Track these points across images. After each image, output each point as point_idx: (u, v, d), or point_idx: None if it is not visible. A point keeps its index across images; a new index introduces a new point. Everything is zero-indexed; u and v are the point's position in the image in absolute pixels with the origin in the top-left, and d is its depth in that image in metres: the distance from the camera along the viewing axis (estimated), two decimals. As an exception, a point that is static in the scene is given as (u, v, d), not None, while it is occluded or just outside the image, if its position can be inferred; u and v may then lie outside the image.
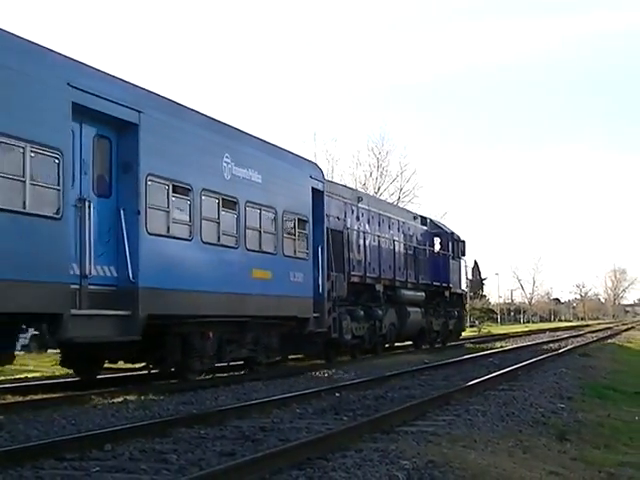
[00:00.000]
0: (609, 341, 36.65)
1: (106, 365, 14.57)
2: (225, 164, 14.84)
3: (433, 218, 33.28)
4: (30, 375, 16.12)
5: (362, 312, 21.80)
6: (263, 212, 16.07)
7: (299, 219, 17.65)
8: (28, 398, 11.75)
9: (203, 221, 13.94)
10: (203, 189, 14.00)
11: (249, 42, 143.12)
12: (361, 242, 22.81)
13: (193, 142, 13.98)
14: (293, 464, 6.52)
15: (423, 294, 27.25)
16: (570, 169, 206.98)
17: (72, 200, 11.20)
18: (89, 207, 11.52)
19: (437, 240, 30.80)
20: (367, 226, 23.67)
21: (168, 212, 13.08)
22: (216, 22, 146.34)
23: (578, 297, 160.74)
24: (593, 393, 13.61)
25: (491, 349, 27.95)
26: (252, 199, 15.60)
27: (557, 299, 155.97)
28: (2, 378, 15.43)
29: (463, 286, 33.15)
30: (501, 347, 29.65)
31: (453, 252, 30.95)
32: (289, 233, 17.18)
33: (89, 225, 11.46)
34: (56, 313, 10.62)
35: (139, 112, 12.59)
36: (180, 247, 13.41)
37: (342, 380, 14.82)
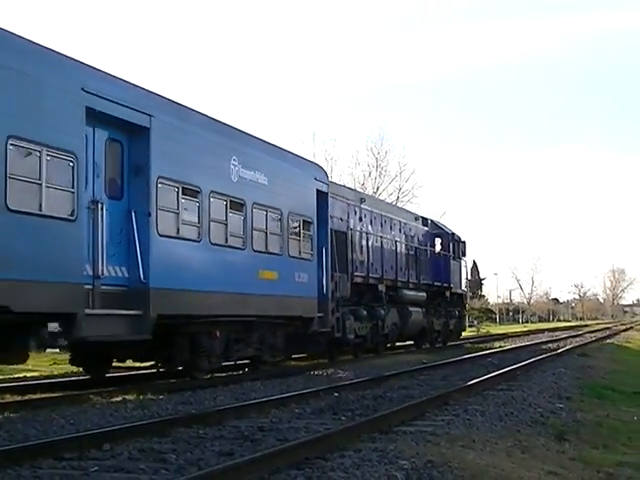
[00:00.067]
0: (608, 341, 36.61)
1: (114, 364, 14.81)
2: (233, 166, 15.10)
3: (434, 219, 33.54)
4: (29, 374, 16.10)
5: (365, 312, 22.05)
6: (269, 213, 16.32)
7: (304, 220, 17.90)
8: (26, 397, 11.78)
9: (211, 223, 14.18)
10: (211, 191, 14.26)
11: (249, 42, 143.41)
12: (364, 243, 23.07)
13: (202, 145, 14.23)
14: (292, 464, 6.50)
15: (424, 294, 27.51)
16: (569, 169, 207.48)
17: (85, 202, 11.42)
18: (102, 209, 11.73)
19: (438, 241, 31.06)
20: (370, 227, 23.93)
21: (178, 214, 13.32)
22: (215, 22, 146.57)
23: (577, 297, 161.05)
24: (592, 393, 13.60)
25: (490, 349, 27.96)
26: (259, 201, 15.85)
27: (556, 299, 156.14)
28: (1, 377, 15.44)
29: (463, 286, 33.44)
30: (500, 347, 29.66)
31: (454, 252, 31.22)
32: (294, 234, 17.42)
33: (102, 227, 11.68)
34: (71, 313, 10.87)
35: (150, 116, 12.81)
36: (189, 248, 13.66)
37: (341, 380, 14.85)
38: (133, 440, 7.77)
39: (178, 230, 13.33)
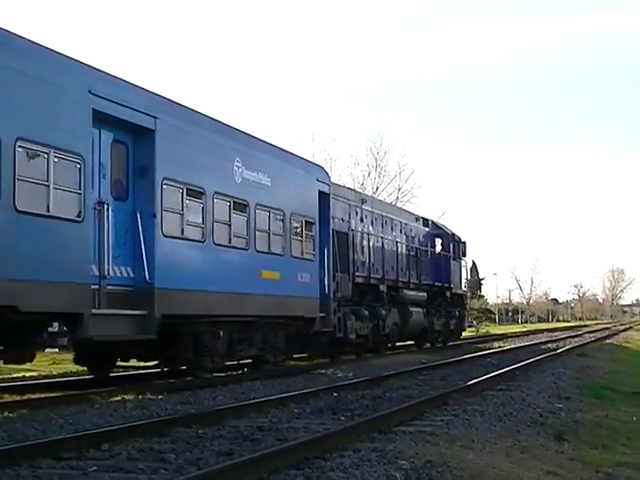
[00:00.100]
0: (607, 341, 36.58)
1: (118, 363, 14.95)
2: (236, 168, 15.24)
3: (434, 219, 33.70)
4: (27, 374, 16.03)
5: (366, 312, 22.20)
6: (272, 214, 16.46)
7: (306, 221, 18.04)
8: (25, 397, 11.79)
9: (215, 223, 14.32)
10: (215, 192, 14.39)
11: (248, 42, 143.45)
12: (365, 243, 23.22)
13: (206, 147, 14.38)
14: (291, 464, 6.48)
15: (425, 294, 27.67)
16: (568, 169, 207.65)
17: (91, 203, 11.56)
18: (107, 210, 11.86)
19: (438, 241, 31.21)
20: (371, 228, 24.09)
21: (182, 215, 13.46)
22: (215, 22, 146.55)
23: (576, 297, 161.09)
24: (591, 393, 13.60)
25: (489, 349, 27.97)
26: (262, 202, 16.00)
27: (555, 299, 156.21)
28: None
29: (464, 286, 33.61)
30: (499, 347, 29.67)
31: (454, 253, 31.38)
32: (296, 235, 17.57)
33: (107, 227, 11.81)
34: (78, 312, 11.02)
35: (155, 118, 12.94)
36: (193, 249, 13.81)
37: (340, 380, 14.83)
38: (132, 440, 7.76)
39: (182, 231, 13.47)
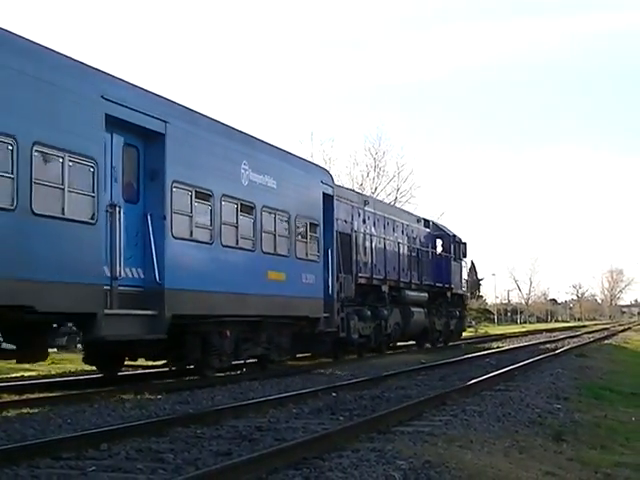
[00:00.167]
0: (606, 342, 36.59)
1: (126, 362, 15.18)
2: (243, 171, 15.52)
3: (435, 220, 33.98)
4: (26, 374, 15.97)
5: (369, 312, 22.49)
6: (278, 216, 16.72)
7: (311, 223, 18.29)
8: (24, 397, 11.78)
9: (223, 225, 14.57)
10: (223, 195, 14.66)
11: (247, 42, 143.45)
12: (367, 244, 23.50)
13: (214, 150, 14.64)
14: (289, 464, 6.48)
15: (426, 295, 27.97)
16: (567, 170, 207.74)
17: (104, 206, 11.80)
18: (119, 213, 12.12)
19: (439, 242, 31.47)
20: (373, 229, 24.37)
21: (191, 217, 13.72)
22: (214, 22, 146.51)
23: (575, 298, 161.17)
24: (590, 394, 13.60)
25: (488, 349, 27.93)
26: (268, 204, 16.27)
27: (554, 300, 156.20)
28: (-2, 376, 15.49)
29: (464, 287, 33.91)
30: (498, 347, 29.66)
31: (455, 254, 31.67)
32: (301, 236, 17.84)
33: (119, 230, 12.07)
34: (91, 312, 11.29)
35: (165, 122, 13.20)
36: (202, 250, 14.08)
37: (339, 380, 14.83)
38: (131, 440, 7.75)
39: (191, 233, 13.73)
